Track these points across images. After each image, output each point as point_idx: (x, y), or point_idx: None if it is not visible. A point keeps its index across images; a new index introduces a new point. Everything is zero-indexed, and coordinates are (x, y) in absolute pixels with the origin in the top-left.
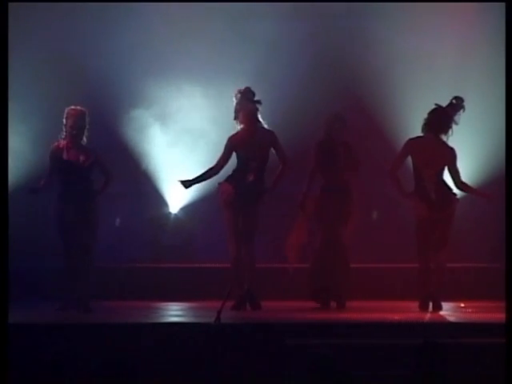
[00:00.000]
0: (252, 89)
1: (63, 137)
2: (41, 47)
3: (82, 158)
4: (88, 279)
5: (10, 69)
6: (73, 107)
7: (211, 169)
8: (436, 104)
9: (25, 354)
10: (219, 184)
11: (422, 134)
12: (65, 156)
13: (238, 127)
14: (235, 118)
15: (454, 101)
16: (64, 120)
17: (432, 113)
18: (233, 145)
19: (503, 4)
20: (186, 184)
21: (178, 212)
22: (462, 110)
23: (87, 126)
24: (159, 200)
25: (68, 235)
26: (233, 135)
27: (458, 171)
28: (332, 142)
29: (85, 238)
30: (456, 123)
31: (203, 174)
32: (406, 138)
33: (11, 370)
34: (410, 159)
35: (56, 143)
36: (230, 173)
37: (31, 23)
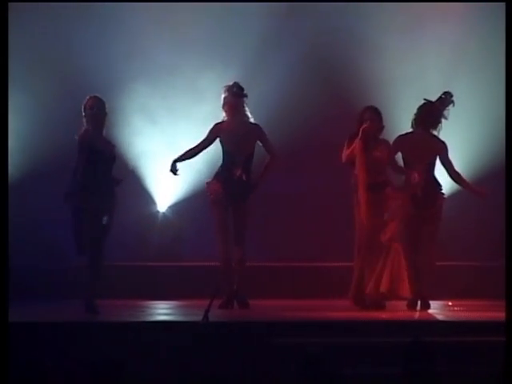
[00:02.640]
0: (240, 84)
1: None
2: (29, 47)
3: (108, 148)
4: (99, 278)
5: None
6: (94, 96)
7: (191, 149)
8: (425, 99)
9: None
10: (207, 183)
11: (411, 130)
12: (93, 145)
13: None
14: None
15: (443, 96)
16: (87, 109)
17: (421, 108)
18: (218, 131)
19: (493, 3)
20: (173, 169)
21: (166, 210)
22: (451, 105)
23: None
24: (147, 198)
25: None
26: (219, 122)
27: (451, 162)
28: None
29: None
30: (445, 118)
31: (183, 153)
32: (393, 137)
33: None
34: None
35: (83, 131)
36: (217, 170)
37: (20, 23)
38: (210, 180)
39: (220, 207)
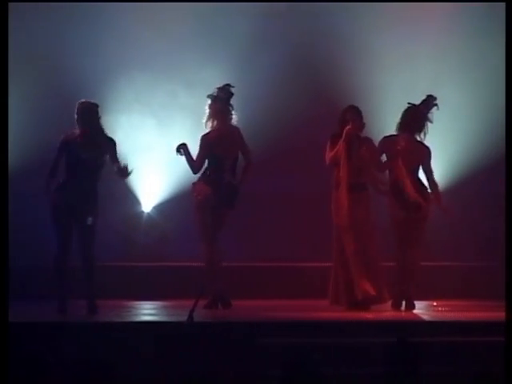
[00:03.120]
0: (230, 88)
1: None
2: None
3: (92, 153)
4: (93, 278)
5: None
6: (85, 100)
7: (192, 167)
8: (409, 103)
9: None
10: (193, 184)
11: (396, 133)
12: (76, 149)
13: (209, 124)
14: (209, 116)
15: (426, 99)
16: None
17: (406, 112)
18: (208, 143)
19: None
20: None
21: (151, 211)
22: (435, 108)
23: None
24: (132, 199)
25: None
26: (206, 134)
27: (432, 170)
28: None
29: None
30: (430, 121)
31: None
32: (377, 137)
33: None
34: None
35: (69, 133)
36: (203, 171)
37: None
38: (196, 181)
39: (206, 209)
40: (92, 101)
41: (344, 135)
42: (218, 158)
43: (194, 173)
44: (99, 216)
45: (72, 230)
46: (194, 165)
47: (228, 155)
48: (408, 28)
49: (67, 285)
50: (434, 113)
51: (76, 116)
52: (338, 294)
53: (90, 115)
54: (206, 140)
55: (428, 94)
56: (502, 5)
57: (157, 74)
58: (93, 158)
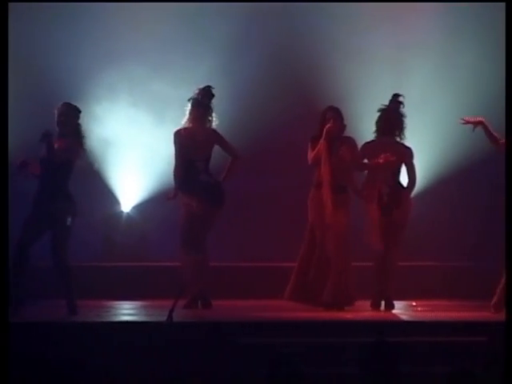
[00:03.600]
0: (212, 90)
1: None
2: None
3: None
4: (69, 278)
5: None
6: (65, 102)
7: (177, 170)
8: (381, 106)
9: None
10: (182, 195)
11: (377, 137)
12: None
13: (184, 122)
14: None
15: (392, 98)
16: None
17: (379, 116)
18: (180, 144)
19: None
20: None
21: (131, 211)
22: (401, 106)
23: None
24: (111, 199)
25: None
26: (178, 130)
27: (414, 169)
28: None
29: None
30: (404, 116)
31: (176, 180)
32: (360, 138)
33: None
34: None
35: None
36: (181, 180)
37: None
38: (183, 194)
39: (190, 213)
40: (71, 103)
41: (324, 133)
42: (189, 160)
43: (175, 175)
44: (78, 216)
45: (39, 232)
46: (177, 169)
47: (199, 157)
48: (389, 29)
49: (23, 285)
50: (419, 114)
51: (57, 118)
52: (296, 290)
53: (70, 117)
54: (178, 138)
55: (394, 93)
56: (486, 5)
57: (140, 73)
58: (62, 159)
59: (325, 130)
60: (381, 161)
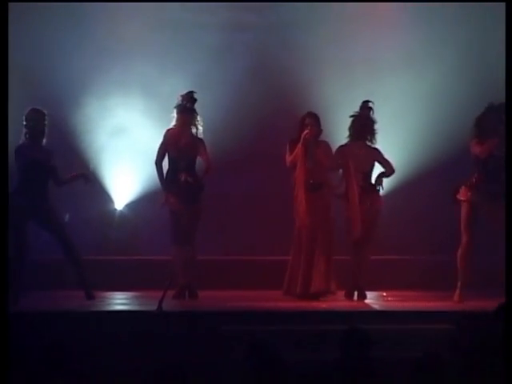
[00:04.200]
0: (194, 95)
1: (26, 137)
2: None
3: (43, 157)
4: (80, 267)
5: None
6: (33, 108)
7: (158, 165)
8: (353, 112)
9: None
10: (166, 194)
11: (350, 142)
12: (28, 155)
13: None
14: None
15: (362, 104)
16: (25, 121)
17: (352, 122)
18: (166, 144)
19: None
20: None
21: (123, 208)
22: (371, 112)
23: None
24: (105, 197)
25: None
26: (168, 129)
27: (388, 161)
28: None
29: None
30: (375, 122)
31: (161, 179)
32: (335, 141)
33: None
34: None
35: (20, 143)
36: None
37: None
38: (168, 193)
39: (176, 215)
40: (39, 108)
41: (302, 139)
42: (172, 159)
43: (156, 163)
44: (76, 213)
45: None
46: (158, 162)
47: (182, 157)
48: (365, 41)
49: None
50: (393, 119)
51: (27, 123)
52: (291, 285)
53: (39, 123)
54: (165, 138)
55: (363, 100)
56: (464, 14)
57: (127, 84)
58: (44, 161)
59: (302, 136)
60: (307, 136)
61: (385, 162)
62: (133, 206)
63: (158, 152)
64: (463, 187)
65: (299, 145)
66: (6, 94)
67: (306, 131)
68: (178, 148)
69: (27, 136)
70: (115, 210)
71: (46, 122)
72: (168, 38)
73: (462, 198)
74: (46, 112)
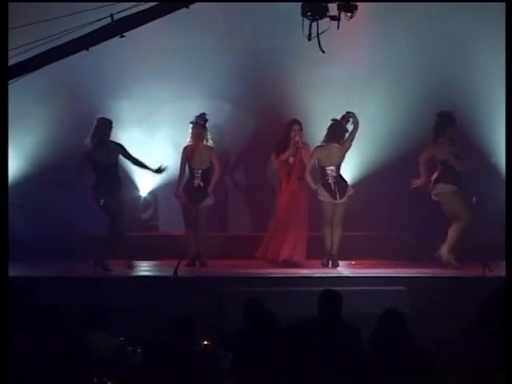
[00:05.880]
0: (206, 116)
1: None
2: None
3: (105, 157)
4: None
5: None
6: (101, 117)
7: (181, 176)
8: (333, 119)
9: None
10: (180, 192)
11: (324, 143)
12: (91, 158)
13: (188, 140)
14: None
15: (345, 114)
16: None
17: (330, 126)
18: (185, 156)
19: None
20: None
21: (147, 195)
22: (349, 122)
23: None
24: (133, 186)
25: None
26: (185, 147)
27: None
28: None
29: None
30: (347, 131)
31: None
32: (313, 142)
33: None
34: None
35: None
36: (183, 183)
37: None
38: (179, 192)
39: (185, 208)
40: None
41: (293, 143)
42: (190, 168)
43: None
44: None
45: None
46: (181, 176)
47: (199, 167)
48: (343, 57)
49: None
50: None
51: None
52: (266, 251)
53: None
54: (184, 153)
55: (348, 111)
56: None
57: (142, 102)
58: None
59: (294, 141)
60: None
61: (351, 137)
62: (154, 193)
63: (181, 165)
64: (434, 183)
65: (287, 152)
66: (6, 94)
67: (297, 138)
68: (193, 159)
69: (93, 141)
70: (140, 196)
71: (112, 130)
72: (169, 63)
73: (438, 191)
74: (111, 120)
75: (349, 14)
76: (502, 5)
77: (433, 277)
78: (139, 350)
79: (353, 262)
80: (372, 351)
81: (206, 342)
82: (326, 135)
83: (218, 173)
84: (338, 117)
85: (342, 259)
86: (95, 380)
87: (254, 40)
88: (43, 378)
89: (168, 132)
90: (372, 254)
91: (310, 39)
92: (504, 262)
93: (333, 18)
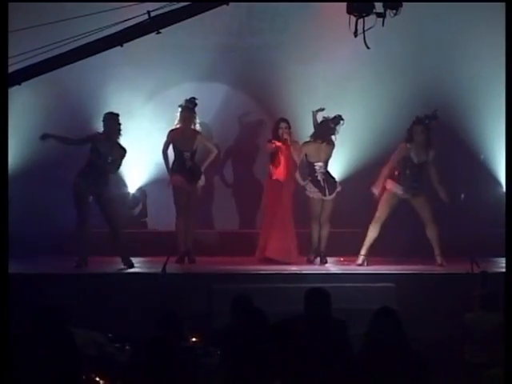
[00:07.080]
0: (195, 99)
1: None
2: None
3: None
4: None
5: None
6: (110, 112)
7: (164, 156)
8: (323, 117)
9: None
10: (171, 175)
11: (311, 139)
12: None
13: (175, 122)
14: (179, 120)
15: (336, 116)
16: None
17: (319, 124)
18: (172, 138)
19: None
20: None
21: (135, 191)
22: (341, 122)
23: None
24: (121, 182)
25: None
26: (171, 130)
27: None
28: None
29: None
30: (337, 132)
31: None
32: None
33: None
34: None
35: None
36: (172, 164)
37: None
38: (171, 174)
39: (179, 192)
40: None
41: (283, 140)
42: (180, 150)
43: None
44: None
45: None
46: (165, 155)
47: (188, 148)
48: (328, 58)
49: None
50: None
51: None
52: (263, 250)
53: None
54: (169, 136)
55: (337, 114)
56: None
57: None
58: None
59: (282, 139)
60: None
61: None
62: (143, 189)
63: (164, 145)
64: (389, 180)
65: (280, 144)
66: (6, 94)
67: (285, 136)
68: (182, 142)
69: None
70: (128, 193)
71: (120, 123)
72: (166, 58)
73: (387, 187)
74: (118, 114)
75: (394, 11)
76: (489, 5)
77: (421, 273)
78: (127, 347)
79: (341, 259)
80: (367, 350)
81: (194, 339)
82: (315, 132)
83: (213, 152)
84: (329, 115)
85: (330, 256)
86: (84, 377)
87: (241, 37)
88: (33, 376)
89: (150, 133)
90: (360, 251)
91: (356, 35)
92: (494, 259)
93: (379, 14)
